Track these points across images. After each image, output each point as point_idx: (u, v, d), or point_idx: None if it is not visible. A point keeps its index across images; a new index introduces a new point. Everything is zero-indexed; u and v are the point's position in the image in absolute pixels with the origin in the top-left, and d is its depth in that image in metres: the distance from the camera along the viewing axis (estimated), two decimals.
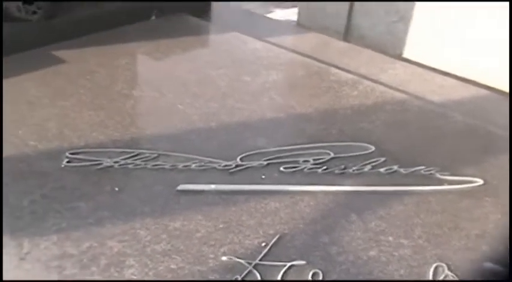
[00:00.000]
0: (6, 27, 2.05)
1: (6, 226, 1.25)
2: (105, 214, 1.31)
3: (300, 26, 3.06)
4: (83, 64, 2.00)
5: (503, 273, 1.22)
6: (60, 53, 2.06)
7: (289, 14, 3.32)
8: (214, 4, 2.63)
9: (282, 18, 3.18)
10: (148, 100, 1.81)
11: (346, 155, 1.59)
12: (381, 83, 2.09)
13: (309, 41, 2.48)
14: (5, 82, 1.85)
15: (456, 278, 1.20)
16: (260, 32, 2.44)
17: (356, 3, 2.90)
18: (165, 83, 1.90)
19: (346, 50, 2.44)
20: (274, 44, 2.31)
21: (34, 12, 2.09)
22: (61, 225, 1.27)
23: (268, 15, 3.17)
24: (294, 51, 2.27)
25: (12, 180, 1.42)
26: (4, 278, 1.12)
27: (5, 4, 2.05)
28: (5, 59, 2.00)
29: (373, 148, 1.63)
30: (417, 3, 2.70)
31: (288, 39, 2.46)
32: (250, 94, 1.90)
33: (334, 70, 2.13)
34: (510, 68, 2.75)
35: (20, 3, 2.05)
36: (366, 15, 2.92)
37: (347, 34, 2.99)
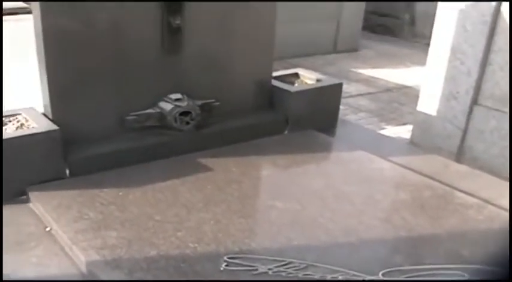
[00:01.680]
0: (163, 135, 2.32)
1: None
2: None
3: (413, 144, 3.21)
4: (228, 173, 2.21)
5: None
6: (207, 161, 2.29)
7: (400, 131, 3.48)
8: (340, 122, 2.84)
9: (394, 135, 3.35)
10: (291, 212, 1.98)
11: (479, 278, 1.68)
12: (505, 209, 2.17)
13: (429, 162, 2.61)
14: (162, 185, 2.08)
15: None
16: (381, 150, 2.60)
17: (470, 127, 3.04)
18: (304, 197, 2.07)
19: (466, 173, 2.56)
20: (397, 163, 2.46)
21: (187, 123, 2.35)
22: None
23: (381, 132, 3.34)
24: (417, 172, 2.41)
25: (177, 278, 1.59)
26: None
27: (164, 114, 2.32)
28: (157, 163, 2.25)
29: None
30: None
31: (409, 159, 2.59)
32: (383, 212, 2.04)
33: (458, 193, 2.24)
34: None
35: (177, 115, 2.32)
36: (480, 138, 3.03)
37: (460, 155, 3.11)
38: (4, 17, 5.70)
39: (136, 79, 2.31)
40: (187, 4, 2.27)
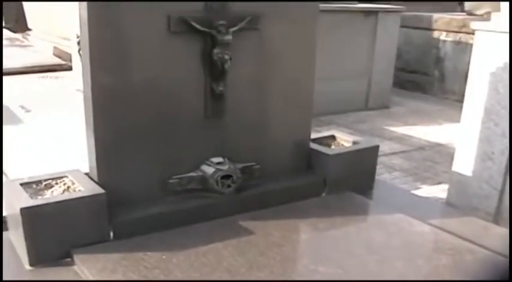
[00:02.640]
0: (204, 198, 2.37)
1: None
2: None
3: (450, 204, 3.21)
4: (269, 237, 2.23)
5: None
6: (248, 224, 2.32)
7: (435, 191, 3.49)
8: (376, 182, 2.86)
9: (430, 195, 3.35)
10: (333, 276, 1.98)
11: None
12: None
13: (468, 224, 2.60)
14: (204, 248, 2.11)
15: None
16: (418, 212, 2.60)
17: (507, 188, 3.03)
18: (346, 261, 2.08)
19: (505, 236, 2.54)
20: (436, 226, 2.46)
21: (229, 186, 2.40)
22: None
23: (417, 192, 3.35)
24: (457, 235, 2.40)
25: None
26: None
27: (206, 178, 2.37)
28: (199, 226, 2.29)
29: None
30: None
31: (447, 221, 2.59)
32: (426, 277, 2.03)
33: (500, 258, 2.22)
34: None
35: (219, 178, 2.37)
36: None
37: (498, 216, 3.10)
38: (42, 74, 5.87)
39: (179, 142, 2.37)
40: (231, 72, 2.34)
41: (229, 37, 2.28)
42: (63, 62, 6.36)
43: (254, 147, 2.57)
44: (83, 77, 2.20)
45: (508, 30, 2.91)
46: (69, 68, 5.76)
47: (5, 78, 5.36)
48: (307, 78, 2.69)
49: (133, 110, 2.24)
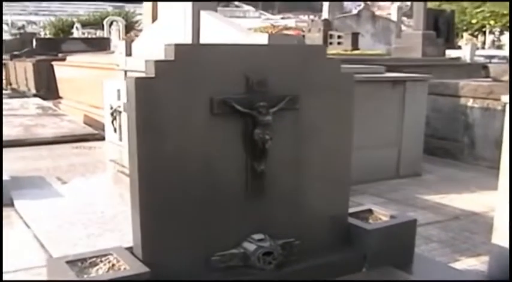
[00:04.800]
0: (246, 274, 2.38)
1: None
2: None
3: (491, 278, 3.15)
4: None
5: None
6: None
7: (475, 264, 3.44)
8: (415, 256, 2.85)
9: (470, 268, 3.31)
10: None
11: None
12: None
13: None
14: None
15: None
16: None
17: None
18: None
19: None
20: None
21: (270, 263, 2.41)
22: None
23: (456, 265, 3.31)
24: None
25: None
26: None
27: (247, 254, 2.39)
28: None
29: None
30: None
31: None
32: None
33: None
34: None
35: (260, 255, 2.39)
36: None
37: None
38: (76, 144, 6.00)
39: (221, 219, 2.42)
40: (271, 150, 2.40)
41: (269, 118, 2.36)
42: (95, 132, 6.51)
43: (293, 223, 2.60)
44: (129, 156, 2.28)
45: None
46: (101, 138, 5.89)
47: (40, 148, 5.51)
48: (345, 154, 2.74)
49: (178, 189, 2.30)
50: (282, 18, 39.35)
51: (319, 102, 2.60)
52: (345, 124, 2.74)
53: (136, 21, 30.43)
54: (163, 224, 2.30)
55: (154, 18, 7.26)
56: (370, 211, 2.95)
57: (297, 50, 2.65)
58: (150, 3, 7.81)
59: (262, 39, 4.25)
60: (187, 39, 4.97)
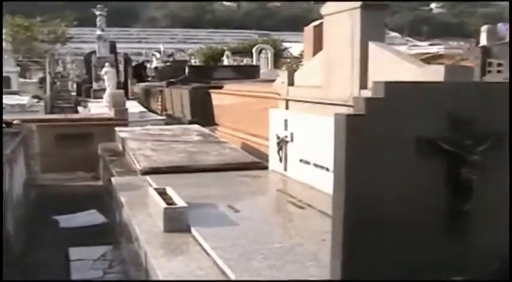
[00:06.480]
0: None
1: None
2: None
3: None
4: None
5: None
6: None
7: None
8: None
9: None
10: None
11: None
12: None
13: None
14: None
15: None
16: None
17: None
18: None
19: None
20: None
21: None
22: None
23: None
24: None
25: None
26: None
27: None
28: None
29: None
30: None
31: None
32: None
33: None
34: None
35: None
36: None
37: None
38: (240, 172, 6.04)
39: (422, 259, 2.37)
40: (479, 188, 2.30)
41: (477, 157, 2.27)
42: (257, 160, 6.60)
43: (494, 264, 2.45)
44: (334, 189, 2.27)
45: None
46: (264, 167, 5.94)
47: (204, 175, 5.63)
48: None
49: (380, 230, 2.25)
50: (431, 44, 38.38)
51: None
52: None
53: (284, 49, 31.12)
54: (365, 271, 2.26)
55: (315, 44, 7.33)
56: None
57: (503, 88, 2.52)
58: (311, 29, 7.90)
59: (438, 71, 4.12)
60: (355, 71, 4.94)
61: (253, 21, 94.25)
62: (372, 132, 2.21)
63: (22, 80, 21.17)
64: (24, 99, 15.52)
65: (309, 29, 8.15)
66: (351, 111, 2.36)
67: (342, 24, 5.08)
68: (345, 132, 2.13)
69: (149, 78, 25.71)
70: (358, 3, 4.85)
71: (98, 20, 22.50)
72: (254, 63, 22.35)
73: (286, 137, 5.19)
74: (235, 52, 31.55)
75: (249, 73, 17.01)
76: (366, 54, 4.99)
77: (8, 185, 5.36)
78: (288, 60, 32.78)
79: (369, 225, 2.24)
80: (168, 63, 29.12)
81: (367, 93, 4.24)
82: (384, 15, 5.27)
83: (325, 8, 5.41)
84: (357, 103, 2.17)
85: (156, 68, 29.59)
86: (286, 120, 5.24)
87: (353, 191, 2.18)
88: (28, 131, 7.61)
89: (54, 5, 74.41)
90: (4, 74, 18.18)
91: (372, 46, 4.95)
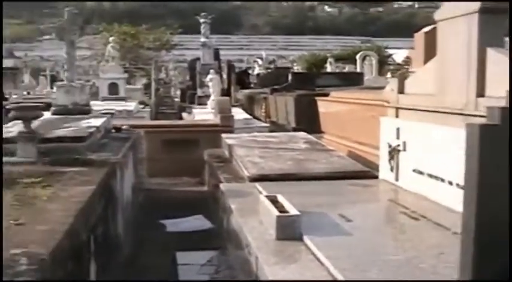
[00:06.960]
0: None
1: None
2: None
3: None
4: None
5: None
6: None
7: None
8: None
9: None
10: None
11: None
12: None
13: None
14: None
15: None
16: None
17: None
18: None
19: None
20: None
21: None
22: None
23: None
24: None
25: None
26: None
27: None
28: None
29: None
30: None
31: None
32: None
33: None
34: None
35: None
36: None
37: None
38: (350, 181, 5.96)
39: None
40: None
41: None
42: (366, 169, 6.48)
43: None
44: (464, 198, 2.18)
45: None
46: (373, 176, 5.81)
47: (313, 183, 5.59)
48: None
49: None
50: None
51: None
52: None
53: (388, 56, 30.56)
54: None
55: (426, 51, 7.13)
56: None
57: None
58: (421, 35, 7.70)
59: None
60: (472, 79, 4.74)
61: (355, 27, 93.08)
62: (503, 144, 2.10)
63: (128, 86, 22.05)
64: (131, 105, 16.16)
65: (419, 35, 7.93)
66: (467, 120, 2.27)
67: (457, 29, 4.89)
68: (478, 142, 2.05)
69: (252, 85, 26.02)
70: (476, 7, 4.66)
71: (202, 27, 23.03)
72: (358, 70, 22.06)
73: (398, 145, 5.07)
74: (338, 59, 31.35)
75: (353, 80, 16.80)
76: (483, 61, 4.77)
77: (118, 188, 5.58)
78: (391, 66, 32.17)
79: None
80: (270, 70, 29.37)
81: (487, 101, 4.06)
82: (504, 19, 5.02)
83: (439, 13, 5.23)
84: (491, 113, 2.07)
85: (258, 74, 29.94)
86: (398, 129, 5.12)
87: (483, 199, 2.09)
88: (137, 136, 7.90)
89: (156, 13, 77.23)
90: (112, 81, 19.08)
91: (491, 52, 4.74)
